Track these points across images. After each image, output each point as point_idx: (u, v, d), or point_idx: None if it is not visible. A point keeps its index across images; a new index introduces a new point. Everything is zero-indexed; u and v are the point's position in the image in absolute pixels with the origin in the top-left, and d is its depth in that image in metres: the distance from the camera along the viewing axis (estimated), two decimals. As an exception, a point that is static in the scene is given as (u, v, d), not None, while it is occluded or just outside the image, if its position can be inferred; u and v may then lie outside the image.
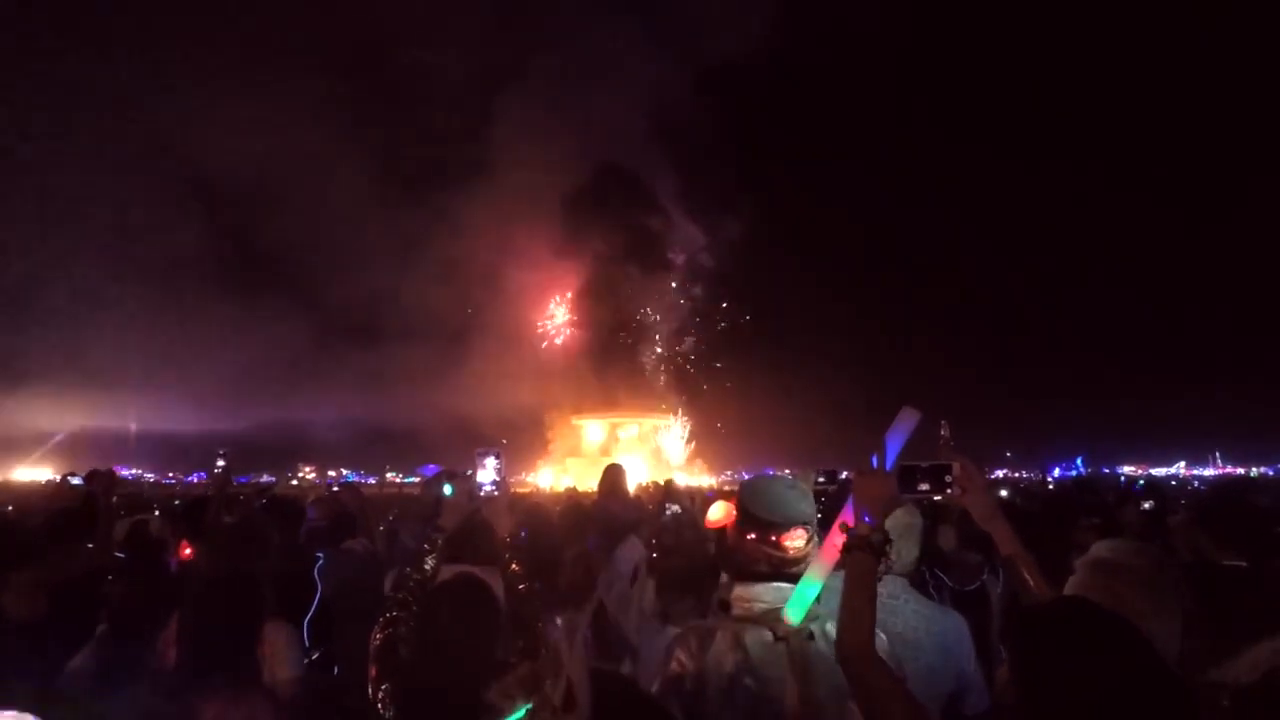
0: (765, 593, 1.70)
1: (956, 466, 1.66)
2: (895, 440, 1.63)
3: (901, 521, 2.16)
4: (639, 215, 50.97)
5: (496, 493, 2.33)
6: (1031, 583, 1.65)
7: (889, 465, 1.61)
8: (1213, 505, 2.69)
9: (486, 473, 2.31)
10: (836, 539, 1.55)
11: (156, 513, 5.00)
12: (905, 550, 2.16)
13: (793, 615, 1.58)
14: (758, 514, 1.71)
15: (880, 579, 1.51)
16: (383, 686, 1.80)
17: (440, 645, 1.83)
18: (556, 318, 49.51)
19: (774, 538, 1.69)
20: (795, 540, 1.69)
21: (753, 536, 1.71)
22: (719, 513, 1.87)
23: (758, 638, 1.64)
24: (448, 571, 2.11)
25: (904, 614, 2.06)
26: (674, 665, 1.68)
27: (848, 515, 1.56)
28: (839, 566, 1.55)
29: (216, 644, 1.98)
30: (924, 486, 1.66)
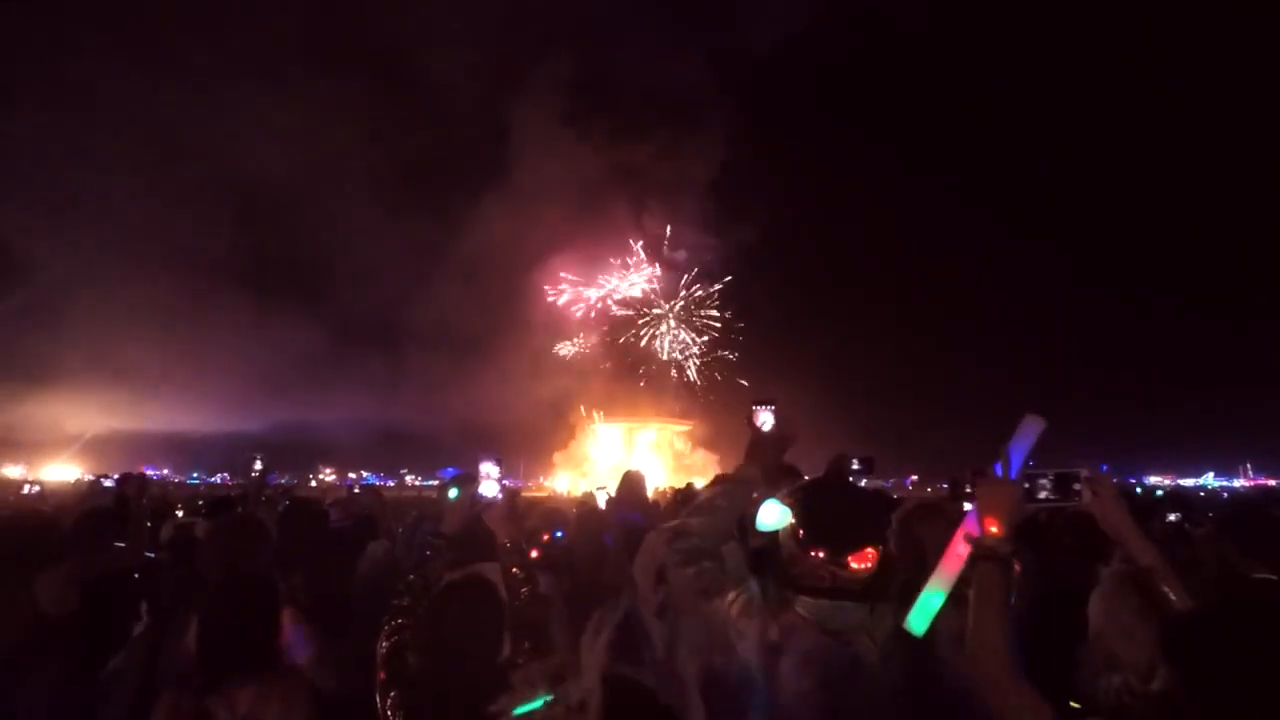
0: (834, 614, 1.62)
1: (1084, 473, 1.62)
2: (1019, 449, 1.58)
3: (947, 538, 2.08)
4: (655, 215, 51.00)
5: (499, 498, 2.38)
6: (1173, 596, 1.60)
7: (1014, 474, 1.56)
8: (1239, 517, 2.66)
9: (489, 484, 2.36)
10: (961, 549, 1.51)
11: (180, 512, 5.11)
12: None
13: (916, 626, 1.51)
14: (824, 532, 1.63)
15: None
16: (390, 693, 1.82)
17: (447, 644, 1.85)
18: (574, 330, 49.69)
19: (843, 558, 1.61)
20: (864, 561, 1.62)
21: (820, 555, 1.61)
22: (774, 516, 1.72)
23: (833, 654, 1.59)
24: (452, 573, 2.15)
25: None
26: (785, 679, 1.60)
27: (971, 525, 1.52)
28: (964, 577, 1.51)
29: (234, 642, 2.03)
30: (1051, 495, 1.62)
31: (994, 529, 1.48)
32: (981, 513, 1.51)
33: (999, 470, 1.55)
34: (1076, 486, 1.61)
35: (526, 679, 1.63)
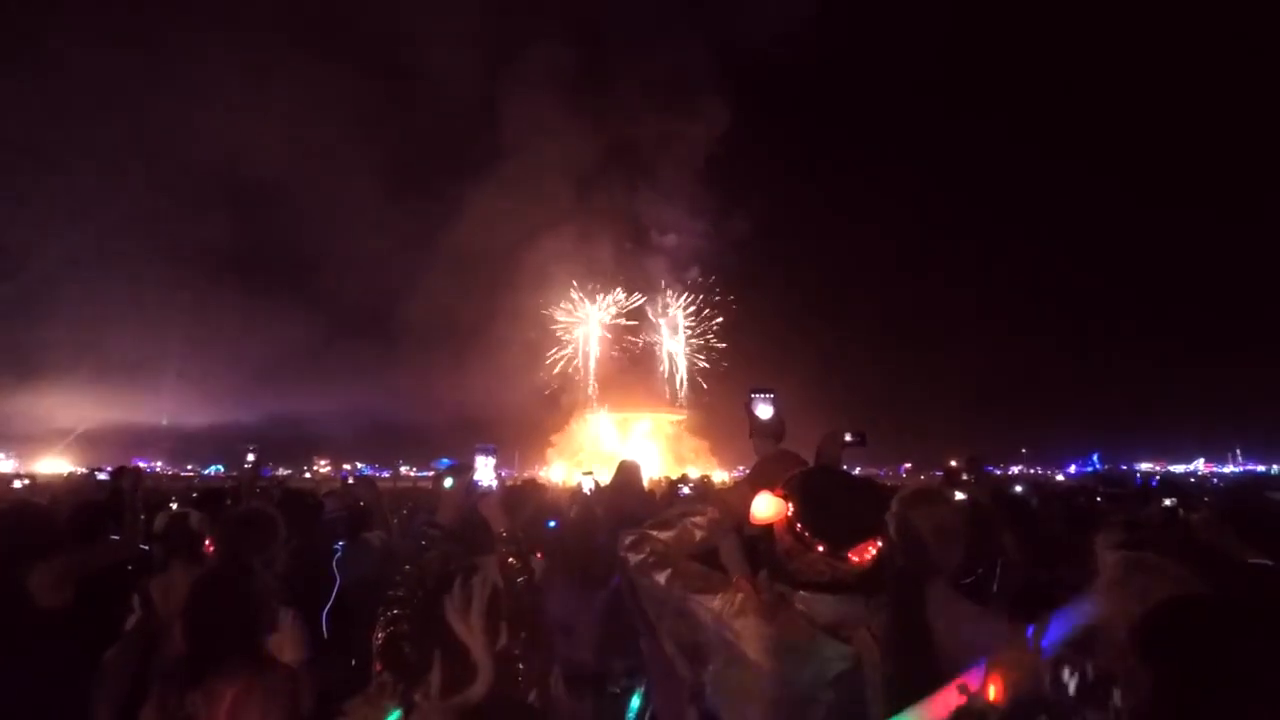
0: (830, 605, 1.56)
1: (1117, 694, 1.33)
2: (1059, 626, 1.42)
3: (944, 525, 2.05)
4: (647, 204, 50.99)
5: (493, 488, 2.38)
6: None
7: (1044, 646, 1.41)
8: (1235, 503, 2.67)
9: (484, 471, 2.37)
10: (951, 698, 1.42)
11: (175, 504, 5.08)
12: (948, 554, 2.04)
13: None
14: (824, 525, 1.53)
15: None
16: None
17: (441, 634, 1.84)
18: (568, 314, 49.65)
19: (843, 552, 1.52)
20: (865, 554, 1.53)
21: (821, 549, 1.52)
22: (769, 509, 1.61)
23: (832, 649, 1.55)
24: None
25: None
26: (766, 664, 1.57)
27: (973, 679, 1.41)
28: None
29: (218, 634, 2.02)
30: (1071, 695, 1.35)
31: (996, 692, 1.37)
32: (989, 670, 1.39)
33: (1030, 633, 1.42)
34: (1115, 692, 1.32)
35: (369, 698, 1.66)
